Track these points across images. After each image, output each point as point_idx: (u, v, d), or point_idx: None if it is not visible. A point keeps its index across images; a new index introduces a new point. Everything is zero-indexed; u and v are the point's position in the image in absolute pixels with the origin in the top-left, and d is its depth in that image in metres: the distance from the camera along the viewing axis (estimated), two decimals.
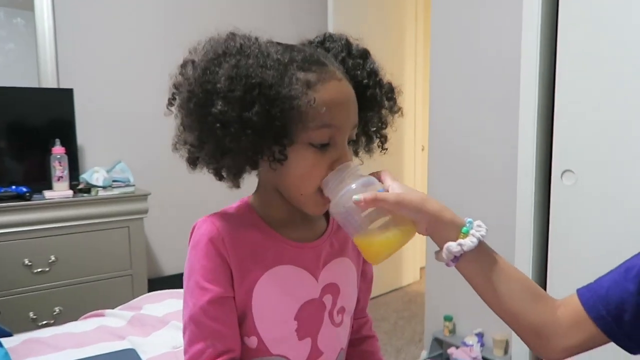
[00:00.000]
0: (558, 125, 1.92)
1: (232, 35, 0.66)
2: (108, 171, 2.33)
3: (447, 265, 0.68)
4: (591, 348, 0.68)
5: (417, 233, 0.68)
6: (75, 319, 2.08)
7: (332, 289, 0.76)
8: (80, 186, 2.25)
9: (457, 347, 2.30)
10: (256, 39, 0.67)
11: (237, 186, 0.71)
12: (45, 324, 2.03)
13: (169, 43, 2.64)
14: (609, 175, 1.79)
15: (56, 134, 2.20)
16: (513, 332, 2.14)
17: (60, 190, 2.14)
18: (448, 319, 2.41)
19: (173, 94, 0.67)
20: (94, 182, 2.24)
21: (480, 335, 2.30)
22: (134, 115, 2.56)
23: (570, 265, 1.94)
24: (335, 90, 0.66)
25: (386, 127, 0.78)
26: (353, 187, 0.65)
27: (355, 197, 0.64)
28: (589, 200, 1.85)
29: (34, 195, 2.11)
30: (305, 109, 0.62)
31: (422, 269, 3.98)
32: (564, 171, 1.92)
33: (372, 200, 0.63)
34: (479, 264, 0.67)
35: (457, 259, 0.67)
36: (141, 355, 1.16)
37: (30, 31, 2.34)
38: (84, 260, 2.14)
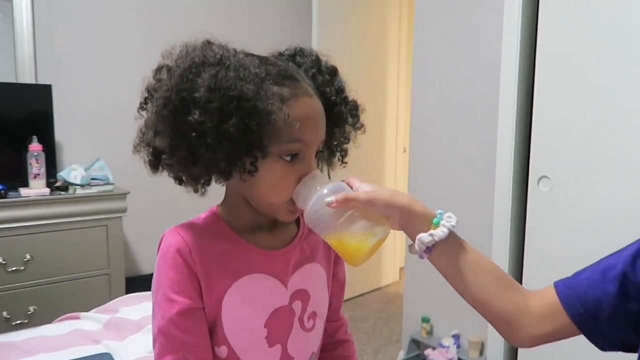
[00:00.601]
0: (536, 131, 1.96)
1: (208, 44, 0.66)
2: (86, 169, 2.29)
3: (420, 257, 0.70)
4: (561, 339, 0.71)
5: (392, 229, 0.69)
6: (50, 319, 2.05)
7: (301, 295, 0.77)
8: (58, 184, 2.21)
9: (434, 349, 2.34)
10: (235, 50, 0.68)
11: (196, 191, 0.70)
12: (20, 323, 2.00)
13: (149, 39, 2.61)
14: (584, 182, 1.83)
15: (33, 131, 2.16)
16: (488, 335, 2.17)
17: (36, 188, 2.11)
18: (425, 320, 2.44)
19: (145, 98, 0.67)
20: (71, 180, 2.20)
21: (456, 337, 2.33)
22: (113, 112, 2.52)
23: (545, 269, 1.98)
24: (307, 106, 0.68)
25: (348, 142, 0.80)
26: (325, 192, 0.67)
27: (327, 199, 0.66)
28: (564, 206, 1.89)
29: (10, 193, 2.06)
30: (280, 124, 0.63)
31: (401, 269, 4.01)
32: (541, 177, 1.95)
33: (343, 200, 0.65)
34: (451, 255, 0.69)
35: (429, 250, 0.69)
36: (116, 359, 1.15)
37: (7, 25, 2.29)
38: (60, 259, 2.11)
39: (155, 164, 0.69)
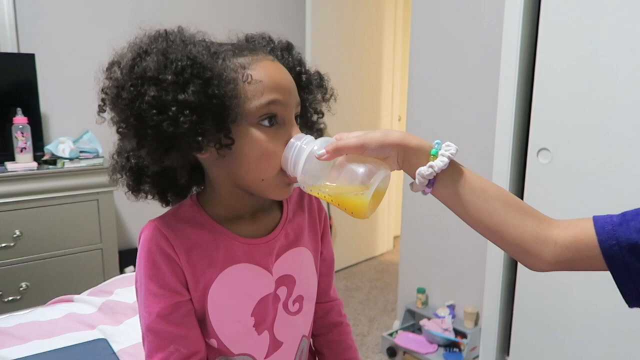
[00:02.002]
0: (536, 103, 1.92)
1: (163, 32, 0.64)
2: (75, 142, 2.23)
3: (424, 192, 0.66)
4: (584, 270, 0.66)
5: (392, 170, 0.65)
6: (44, 295, 2.04)
7: (286, 280, 0.76)
8: (45, 157, 2.15)
9: (429, 319, 2.35)
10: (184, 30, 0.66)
11: (184, 196, 0.72)
12: (12, 300, 1.98)
13: (136, 4, 2.50)
14: (584, 155, 1.80)
15: (17, 103, 2.08)
16: (484, 305, 2.18)
17: (23, 162, 2.04)
18: (421, 291, 2.45)
19: (102, 99, 0.63)
20: (59, 154, 2.14)
21: (451, 308, 2.35)
22: (100, 82, 2.43)
23: None
24: (270, 67, 0.66)
25: (323, 116, 0.79)
26: (315, 148, 0.63)
27: (317, 152, 0.62)
28: (563, 178, 1.87)
29: None
30: (243, 86, 0.62)
31: (395, 238, 4.03)
32: (540, 149, 1.92)
33: (334, 149, 0.62)
34: (455, 185, 0.65)
35: (431, 184, 0.65)
36: (113, 346, 1.12)
37: None
38: (51, 234, 2.07)
39: (135, 186, 0.69)
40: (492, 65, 2.07)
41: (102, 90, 0.62)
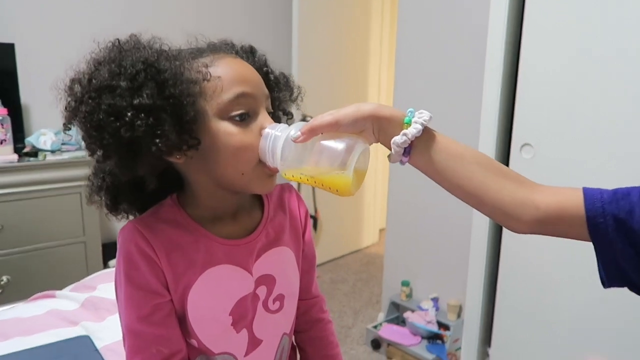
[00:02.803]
0: (520, 98, 1.93)
1: (115, 41, 0.63)
2: (56, 133, 2.19)
3: (401, 162, 0.65)
4: (562, 237, 0.66)
5: (370, 143, 0.65)
6: (26, 289, 2.02)
7: (266, 279, 0.76)
8: (26, 150, 2.11)
9: (413, 311, 2.38)
10: (142, 39, 0.65)
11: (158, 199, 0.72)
12: None
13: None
14: (566, 150, 1.83)
15: None
16: (467, 298, 2.20)
17: (3, 154, 2.00)
18: (405, 284, 2.47)
19: (66, 117, 0.62)
20: (41, 146, 2.11)
21: (435, 300, 2.38)
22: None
23: (523, 236, 2.00)
24: (233, 62, 0.67)
25: (292, 117, 0.80)
26: (292, 133, 0.63)
27: (292, 135, 0.62)
28: (546, 174, 1.89)
29: None
30: (206, 84, 0.63)
31: (381, 230, 4.05)
32: (523, 145, 1.94)
33: (309, 129, 0.62)
34: (431, 152, 0.64)
35: (407, 153, 0.64)
36: (96, 343, 1.11)
37: None
38: (33, 228, 2.04)
39: (113, 205, 0.71)
40: (477, 61, 2.08)
41: (65, 108, 0.62)
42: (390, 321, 2.50)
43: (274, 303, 0.78)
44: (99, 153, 0.61)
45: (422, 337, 2.31)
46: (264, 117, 0.67)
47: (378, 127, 0.64)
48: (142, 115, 0.57)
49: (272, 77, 0.76)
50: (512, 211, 0.63)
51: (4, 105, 2.02)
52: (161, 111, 0.58)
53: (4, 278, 1.98)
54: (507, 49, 2.00)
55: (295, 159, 0.63)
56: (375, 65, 3.77)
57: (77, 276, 2.13)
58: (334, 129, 0.62)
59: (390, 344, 2.32)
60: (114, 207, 0.72)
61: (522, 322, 2.08)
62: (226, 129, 0.64)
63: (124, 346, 0.69)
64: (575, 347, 1.91)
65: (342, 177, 0.60)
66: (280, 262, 0.79)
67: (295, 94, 0.80)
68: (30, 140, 2.12)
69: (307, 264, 0.87)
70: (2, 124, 2.00)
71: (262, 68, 0.75)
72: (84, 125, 0.59)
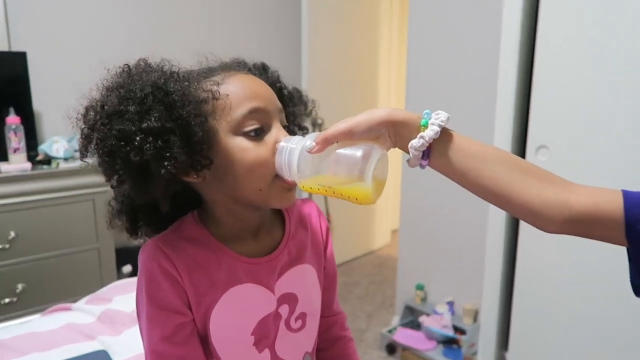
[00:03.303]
0: (535, 100, 1.90)
1: (125, 66, 0.63)
2: (69, 141, 2.19)
3: (421, 166, 0.63)
4: (594, 239, 0.63)
5: (387, 149, 0.63)
6: (41, 297, 2.03)
7: (288, 298, 0.75)
8: (39, 158, 2.12)
9: (428, 315, 2.35)
10: (155, 64, 0.65)
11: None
12: (9, 302, 1.96)
13: (129, 2, 2.46)
14: (583, 152, 1.79)
15: (9, 102, 2.04)
16: (483, 302, 2.17)
17: (17, 163, 2.01)
18: (420, 287, 2.45)
19: (82, 144, 0.62)
20: (53, 154, 2.11)
21: (450, 304, 2.35)
22: (94, 78, 2.39)
23: (540, 238, 1.98)
24: (244, 78, 0.67)
25: (307, 131, 0.80)
26: (307, 144, 0.61)
27: (307, 146, 0.61)
28: (562, 176, 1.86)
29: None
30: (217, 102, 0.62)
31: (393, 231, 4.03)
32: (539, 147, 1.91)
33: (322, 139, 0.60)
34: (451, 153, 0.61)
35: (426, 156, 0.61)
36: (113, 358, 1.10)
37: None
38: (47, 235, 2.05)
39: (132, 228, 0.71)
40: (491, 62, 2.04)
41: (81, 136, 0.62)
42: (404, 325, 2.47)
43: (296, 322, 0.77)
44: (114, 180, 0.61)
45: (438, 342, 2.28)
46: (278, 131, 0.66)
47: (394, 132, 0.62)
48: (151, 138, 0.57)
49: (285, 92, 0.76)
50: (542, 211, 0.60)
51: (17, 113, 2.02)
52: (170, 133, 0.58)
53: (19, 286, 1.99)
54: (521, 49, 1.97)
55: (312, 171, 0.61)
56: (385, 71, 3.74)
57: (92, 282, 2.16)
58: (349, 137, 0.60)
59: (405, 348, 2.30)
60: (134, 230, 0.72)
61: (540, 326, 2.04)
62: (240, 144, 0.63)
63: None
64: (594, 352, 1.87)
65: (361, 187, 0.59)
66: (302, 280, 0.78)
67: (309, 108, 0.79)
68: (43, 148, 2.12)
69: (328, 281, 0.85)
70: (15, 133, 2.00)
71: (275, 84, 0.74)
72: (97, 152, 0.59)
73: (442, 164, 0.62)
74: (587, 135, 1.77)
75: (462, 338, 2.23)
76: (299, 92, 0.79)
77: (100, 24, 2.40)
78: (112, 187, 0.63)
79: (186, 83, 0.62)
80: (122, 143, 0.57)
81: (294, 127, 0.77)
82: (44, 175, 2.03)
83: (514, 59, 1.97)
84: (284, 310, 0.75)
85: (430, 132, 0.59)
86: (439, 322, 2.28)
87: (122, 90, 0.60)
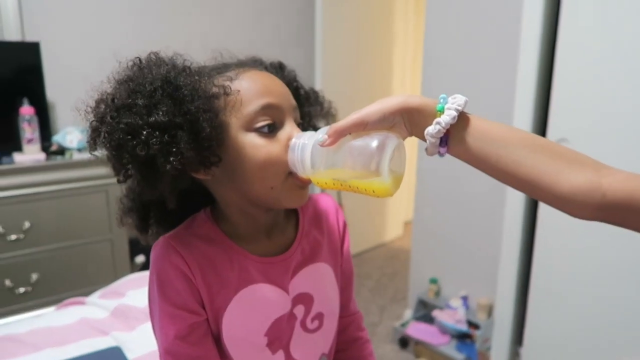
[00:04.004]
0: (556, 92, 1.86)
1: (136, 59, 0.62)
2: (82, 131, 2.18)
3: (440, 154, 0.59)
4: (628, 228, 0.58)
5: (403, 138, 0.60)
6: (55, 287, 2.04)
7: (303, 298, 0.74)
8: (53, 148, 2.12)
9: (442, 309, 2.33)
10: (166, 57, 0.64)
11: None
12: (24, 292, 1.97)
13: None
14: (603, 146, 1.75)
15: (23, 92, 2.04)
16: (497, 297, 2.13)
17: (31, 153, 2.01)
18: (433, 281, 2.43)
19: (90, 137, 0.60)
20: (67, 144, 2.11)
21: (464, 299, 2.33)
22: (107, 68, 2.38)
23: (559, 231, 1.94)
24: (258, 75, 0.66)
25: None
26: (319, 137, 0.59)
27: (319, 139, 0.59)
28: None
29: (3, 159, 1.98)
30: (229, 98, 0.61)
31: (405, 223, 4.00)
32: (559, 140, 1.86)
33: (334, 131, 0.58)
34: (471, 139, 0.57)
35: (445, 143, 0.57)
36: (127, 354, 1.10)
37: None
38: (61, 226, 2.05)
39: (142, 226, 0.71)
40: (511, 55, 2.00)
41: (90, 129, 0.61)
42: (417, 319, 2.46)
43: (312, 322, 0.75)
44: (122, 174, 0.59)
45: (451, 336, 2.26)
46: (291, 128, 0.64)
47: (409, 120, 0.59)
48: (157, 133, 0.56)
49: (302, 91, 0.74)
50: (571, 198, 0.55)
51: (30, 104, 2.02)
52: (177, 128, 0.57)
53: (34, 276, 2.00)
54: (542, 44, 1.92)
55: (325, 165, 0.59)
56: (400, 62, 3.69)
57: (105, 273, 2.16)
58: (361, 127, 0.57)
59: (418, 342, 2.28)
60: (144, 228, 0.71)
61: (556, 322, 2.01)
62: (252, 141, 0.62)
63: None
64: (612, 349, 1.84)
65: (379, 179, 0.56)
66: (318, 279, 0.76)
67: (325, 109, 0.78)
68: (57, 139, 2.12)
69: (345, 279, 0.84)
70: (29, 123, 2.00)
71: (292, 83, 0.73)
72: (105, 145, 0.58)
73: (462, 150, 0.58)
74: (609, 128, 1.73)
75: (476, 333, 2.21)
76: (315, 92, 0.77)
77: (113, 14, 2.38)
78: (118, 181, 0.62)
79: (197, 77, 0.61)
80: (129, 137, 0.56)
81: (309, 127, 0.76)
82: (58, 166, 2.02)
83: (535, 53, 1.92)
84: (299, 310, 0.74)
85: (446, 118, 0.55)
86: (452, 317, 2.26)
87: (131, 84, 0.59)
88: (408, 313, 2.56)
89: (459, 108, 0.56)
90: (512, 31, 1.98)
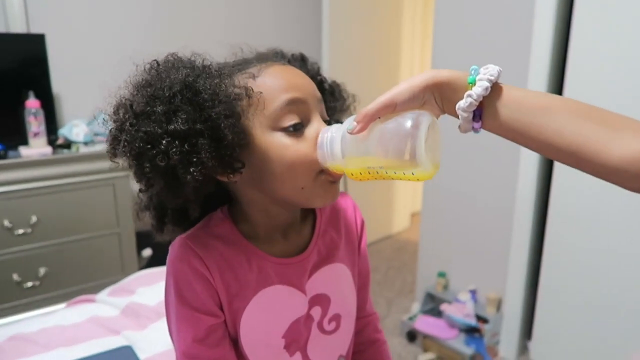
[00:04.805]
0: (568, 87, 1.83)
1: (154, 62, 0.59)
2: (88, 124, 2.17)
3: (474, 130, 0.55)
4: None
5: (437, 116, 0.57)
6: (63, 281, 2.03)
7: (321, 299, 0.72)
8: (59, 142, 2.10)
9: (450, 303, 2.32)
10: (188, 59, 0.61)
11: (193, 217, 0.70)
12: (32, 286, 1.97)
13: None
14: None
15: (29, 85, 2.02)
16: (506, 291, 2.11)
17: (37, 147, 2.00)
18: (442, 275, 2.41)
19: (110, 145, 0.58)
20: (73, 138, 2.10)
21: (473, 292, 2.31)
22: (113, 60, 2.35)
23: (570, 224, 1.92)
24: (281, 69, 0.63)
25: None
26: (348, 125, 0.57)
27: (348, 128, 0.56)
28: None
29: (9, 152, 1.97)
30: (252, 98, 0.59)
31: (413, 215, 3.98)
32: None
33: (363, 116, 0.55)
34: (506, 110, 0.53)
35: (478, 118, 0.54)
36: (138, 354, 1.09)
37: None
38: (68, 220, 2.04)
39: (159, 225, 0.69)
40: (522, 56, 1.96)
41: (110, 136, 0.59)
42: (425, 312, 2.45)
43: (329, 323, 0.74)
44: (143, 182, 0.58)
45: (460, 330, 2.25)
46: (318, 124, 0.62)
47: (440, 95, 0.56)
48: (177, 142, 0.54)
49: (326, 85, 0.72)
50: (623, 167, 0.49)
51: (36, 97, 2.00)
52: (198, 136, 0.54)
53: (42, 270, 2.00)
54: (555, 38, 1.88)
55: (357, 154, 0.56)
56: (408, 49, 3.64)
57: (113, 267, 2.16)
58: (391, 109, 0.55)
59: (426, 336, 2.27)
60: (160, 228, 0.70)
61: (565, 315, 2.00)
62: (279, 141, 0.60)
63: None
64: (621, 343, 1.83)
65: (415, 164, 0.53)
66: (335, 280, 0.75)
67: (348, 103, 0.75)
68: (63, 132, 2.11)
69: (361, 280, 0.82)
70: (35, 117, 1.99)
71: (316, 77, 0.70)
72: (125, 154, 0.56)
73: (497, 123, 0.54)
74: None
75: (485, 327, 2.20)
76: (338, 85, 0.75)
77: (119, 5, 2.35)
78: (140, 190, 0.60)
79: (217, 80, 0.58)
80: (149, 146, 0.54)
81: (333, 123, 0.73)
82: (65, 160, 2.01)
83: (547, 49, 1.89)
84: (316, 312, 0.72)
85: (478, 89, 0.52)
86: (461, 311, 2.25)
87: (150, 89, 0.56)
88: (416, 306, 2.55)
89: (492, 78, 0.53)
90: (524, 24, 1.94)
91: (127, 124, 0.55)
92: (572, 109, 0.52)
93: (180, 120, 0.54)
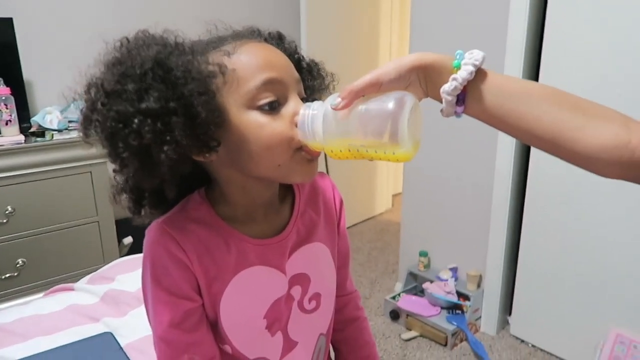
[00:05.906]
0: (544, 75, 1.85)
1: (124, 40, 0.57)
2: (62, 111, 2.12)
3: (457, 114, 0.56)
4: None
5: (420, 99, 0.57)
6: (41, 271, 2.00)
7: (301, 279, 0.72)
8: (33, 129, 2.05)
9: (432, 282, 2.35)
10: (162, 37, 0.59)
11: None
12: (9, 276, 1.93)
13: None
14: None
15: None
16: (487, 268, 2.15)
17: (9, 135, 1.95)
18: (423, 254, 2.44)
19: (83, 126, 0.57)
20: (47, 125, 2.05)
21: (454, 270, 2.35)
22: (85, 45, 2.29)
23: (547, 202, 1.95)
24: (257, 47, 0.62)
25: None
26: (332, 102, 0.56)
27: (331, 104, 0.56)
28: None
29: None
30: (227, 76, 0.57)
31: (394, 196, 4.01)
32: None
33: (348, 92, 0.55)
34: (488, 95, 0.54)
35: (462, 102, 0.55)
36: (119, 340, 1.08)
37: None
38: (45, 209, 2.01)
39: (136, 208, 0.66)
40: (499, 42, 1.96)
41: (81, 116, 0.57)
42: (408, 291, 2.48)
43: (309, 303, 0.74)
44: (117, 163, 0.56)
45: (442, 308, 2.29)
46: (296, 103, 0.61)
47: (424, 78, 0.56)
48: (149, 120, 0.52)
49: (304, 64, 0.70)
50: (597, 155, 0.51)
51: (6, 83, 1.94)
52: (171, 115, 0.53)
53: (20, 261, 1.97)
54: (530, 21, 1.89)
55: (339, 131, 0.56)
56: (386, 31, 3.62)
57: (93, 255, 2.13)
58: (376, 88, 0.55)
59: (409, 314, 2.31)
60: (137, 210, 0.67)
61: (544, 291, 2.05)
62: (256, 119, 0.59)
63: (156, 352, 0.66)
64: (598, 317, 1.88)
65: (396, 144, 0.52)
66: (314, 260, 0.75)
67: (327, 82, 0.73)
68: (36, 119, 2.06)
69: (341, 258, 0.82)
70: (6, 105, 1.93)
71: (293, 55, 0.68)
72: (97, 134, 0.55)
73: (480, 108, 0.55)
74: None
75: (466, 304, 2.24)
76: (317, 64, 0.73)
77: None
78: (114, 171, 0.59)
79: (190, 57, 0.56)
80: (121, 125, 0.53)
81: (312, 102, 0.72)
82: (39, 148, 1.97)
83: (521, 42, 1.90)
84: (297, 291, 0.73)
85: (463, 73, 0.53)
86: (442, 289, 2.28)
87: (120, 67, 0.54)
88: (399, 286, 2.58)
89: (476, 63, 0.54)
90: (501, 9, 1.94)
91: (99, 103, 0.53)
92: (551, 95, 0.53)
93: (152, 99, 0.53)
